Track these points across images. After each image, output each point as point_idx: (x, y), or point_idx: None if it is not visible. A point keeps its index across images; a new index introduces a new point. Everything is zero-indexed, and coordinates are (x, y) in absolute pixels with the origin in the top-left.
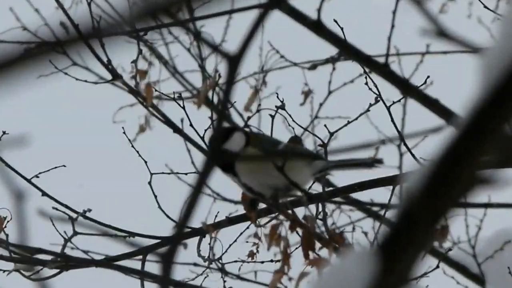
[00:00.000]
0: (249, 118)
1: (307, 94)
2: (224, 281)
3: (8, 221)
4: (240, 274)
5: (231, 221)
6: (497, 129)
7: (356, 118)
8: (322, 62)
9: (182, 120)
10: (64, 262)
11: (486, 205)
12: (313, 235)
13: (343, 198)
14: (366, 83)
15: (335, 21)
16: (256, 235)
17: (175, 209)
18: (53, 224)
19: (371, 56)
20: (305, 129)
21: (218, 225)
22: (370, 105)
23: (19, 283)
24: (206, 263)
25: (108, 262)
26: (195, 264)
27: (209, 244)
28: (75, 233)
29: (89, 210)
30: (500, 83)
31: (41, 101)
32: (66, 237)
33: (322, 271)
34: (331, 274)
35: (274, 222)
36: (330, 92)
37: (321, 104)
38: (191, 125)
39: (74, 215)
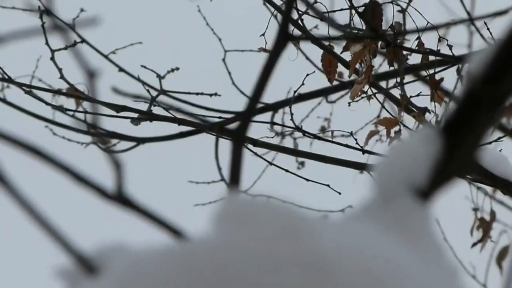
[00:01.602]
0: None
1: None
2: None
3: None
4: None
5: (301, 97)
6: None
7: None
8: None
9: None
10: (149, 118)
11: None
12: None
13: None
14: None
15: None
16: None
17: (249, 85)
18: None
19: None
20: None
21: (287, 102)
22: None
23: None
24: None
25: (189, 120)
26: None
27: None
28: (161, 91)
29: (177, 69)
30: None
31: None
32: (152, 96)
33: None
34: (396, 149)
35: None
36: None
37: None
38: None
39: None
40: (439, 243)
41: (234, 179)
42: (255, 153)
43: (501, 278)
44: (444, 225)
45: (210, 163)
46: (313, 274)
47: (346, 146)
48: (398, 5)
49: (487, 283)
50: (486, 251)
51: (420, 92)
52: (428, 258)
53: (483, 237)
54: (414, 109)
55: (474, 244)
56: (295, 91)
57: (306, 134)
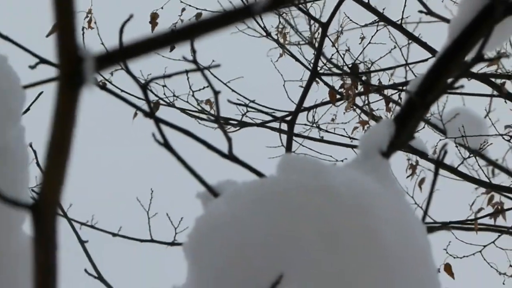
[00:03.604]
0: None
1: None
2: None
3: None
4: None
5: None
6: (456, 63)
7: None
8: None
9: None
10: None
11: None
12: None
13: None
14: None
15: None
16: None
17: (295, 98)
18: None
19: None
20: None
21: (311, 108)
22: None
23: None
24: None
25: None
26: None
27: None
28: (246, 105)
29: (253, 101)
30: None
31: None
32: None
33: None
34: (370, 130)
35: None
36: None
37: None
38: None
39: None
40: (394, 179)
41: (288, 149)
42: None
43: (423, 195)
44: (394, 170)
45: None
46: (328, 195)
47: (343, 136)
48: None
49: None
50: (413, 181)
51: (378, 108)
52: (388, 187)
53: (412, 173)
54: (376, 116)
55: (407, 176)
56: (317, 105)
57: (320, 128)
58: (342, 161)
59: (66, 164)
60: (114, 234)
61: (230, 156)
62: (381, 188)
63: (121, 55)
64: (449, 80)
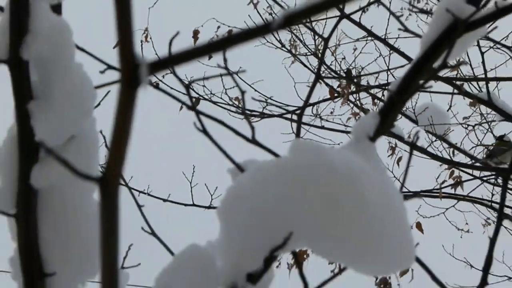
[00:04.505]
0: None
1: None
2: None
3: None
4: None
5: (323, 101)
6: (426, 69)
7: None
8: None
9: None
10: (262, 116)
11: (420, 91)
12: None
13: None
14: None
15: None
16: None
17: (302, 95)
18: None
19: None
20: None
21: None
22: None
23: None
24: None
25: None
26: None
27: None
28: (266, 102)
29: (270, 97)
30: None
31: None
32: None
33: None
34: (360, 120)
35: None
36: None
37: None
38: None
39: None
40: (378, 158)
41: (298, 135)
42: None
43: (400, 170)
44: (378, 150)
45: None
46: (327, 170)
47: (339, 124)
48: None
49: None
50: (393, 159)
51: (366, 103)
52: (374, 164)
53: (392, 153)
54: (364, 109)
55: (388, 156)
56: (319, 101)
57: (322, 118)
58: (338, 144)
59: (126, 146)
60: (164, 200)
61: (253, 141)
62: (368, 165)
63: (170, 62)
64: (421, 82)
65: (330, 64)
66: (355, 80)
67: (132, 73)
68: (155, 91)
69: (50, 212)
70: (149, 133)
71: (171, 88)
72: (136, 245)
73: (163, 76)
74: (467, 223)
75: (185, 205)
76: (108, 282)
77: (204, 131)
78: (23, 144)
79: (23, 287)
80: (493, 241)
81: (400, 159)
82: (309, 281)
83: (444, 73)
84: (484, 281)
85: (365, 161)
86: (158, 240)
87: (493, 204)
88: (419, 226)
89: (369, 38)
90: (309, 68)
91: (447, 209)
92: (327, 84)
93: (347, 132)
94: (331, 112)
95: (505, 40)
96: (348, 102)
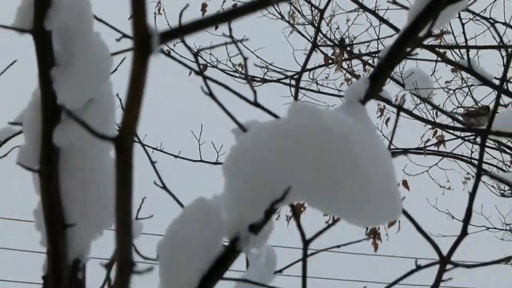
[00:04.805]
0: None
1: None
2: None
3: None
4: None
5: (317, 67)
6: (412, 38)
7: None
8: None
9: None
10: (263, 81)
11: (407, 58)
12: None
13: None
14: None
15: None
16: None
17: (300, 61)
18: None
19: None
20: None
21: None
22: None
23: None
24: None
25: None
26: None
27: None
28: (268, 68)
29: (270, 65)
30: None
31: None
32: None
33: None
34: (352, 85)
35: None
36: None
37: None
38: None
39: None
40: (368, 119)
41: (295, 98)
42: (301, 88)
43: (388, 130)
44: (368, 112)
45: (284, 94)
46: (322, 130)
47: (333, 89)
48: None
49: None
50: (381, 120)
51: (358, 70)
52: (365, 124)
53: (381, 114)
54: (356, 75)
55: (378, 117)
56: (315, 67)
57: (317, 83)
58: (332, 106)
59: (140, 107)
60: (175, 156)
61: (255, 103)
62: (359, 125)
63: (180, 32)
64: (408, 50)
65: (326, 34)
66: (348, 49)
67: (145, 42)
68: (167, 58)
69: (71, 168)
70: (162, 98)
71: (181, 56)
72: (149, 198)
73: (174, 45)
74: (448, 181)
75: (194, 161)
76: (122, 231)
77: (211, 94)
78: (46, 107)
79: (46, 236)
80: (472, 195)
81: (388, 119)
82: (306, 231)
83: (428, 41)
84: (464, 232)
85: (356, 122)
86: (169, 194)
87: (472, 160)
88: (405, 183)
89: (361, 10)
90: (306, 37)
91: (430, 167)
92: (322, 52)
93: (340, 96)
94: (326, 78)
95: (484, 12)
96: (341, 68)
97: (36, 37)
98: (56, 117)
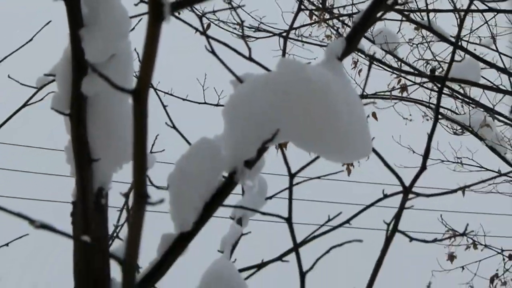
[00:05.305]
0: None
1: None
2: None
3: None
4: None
5: (308, 24)
6: (382, 3)
7: None
8: None
9: None
10: (256, 37)
11: (378, 20)
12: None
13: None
14: None
15: None
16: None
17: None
18: None
19: None
20: None
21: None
22: None
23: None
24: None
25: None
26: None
27: None
28: (257, 28)
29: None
30: None
31: None
32: None
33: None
34: (330, 44)
35: None
36: None
37: None
38: None
39: None
40: (344, 73)
41: (284, 53)
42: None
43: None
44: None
45: (275, 49)
46: (306, 82)
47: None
48: None
49: (356, 80)
50: (355, 70)
51: (338, 27)
52: (341, 77)
53: (354, 66)
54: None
55: (352, 68)
56: (301, 26)
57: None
58: (314, 59)
59: (153, 64)
60: (183, 99)
61: (250, 58)
62: (337, 78)
63: (188, 2)
64: (379, 14)
65: None
66: (329, 10)
67: (158, 9)
68: (177, 21)
69: (96, 113)
70: (173, 52)
71: (189, 25)
72: (161, 136)
73: (183, 11)
74: (410, 114)
75: (199, 103)
76: (138, 167)
77: (213, 51)
78: (76, 61)
79: (75, 169)
80: (430, 136)
81: (360, 70)
82: (292, 160)
83: (396, 6)
84: (423, 166)
85: (334, 76)
86: (178, 132)
87: (430, 105)
88: (374, 115)
89: None
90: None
91: (395, 103)
92: (308, 10)
93: (322, 46)
94: (309, 35)
95: None
96: (323, 25)
97: (67, 2)
98: (84, 70)
